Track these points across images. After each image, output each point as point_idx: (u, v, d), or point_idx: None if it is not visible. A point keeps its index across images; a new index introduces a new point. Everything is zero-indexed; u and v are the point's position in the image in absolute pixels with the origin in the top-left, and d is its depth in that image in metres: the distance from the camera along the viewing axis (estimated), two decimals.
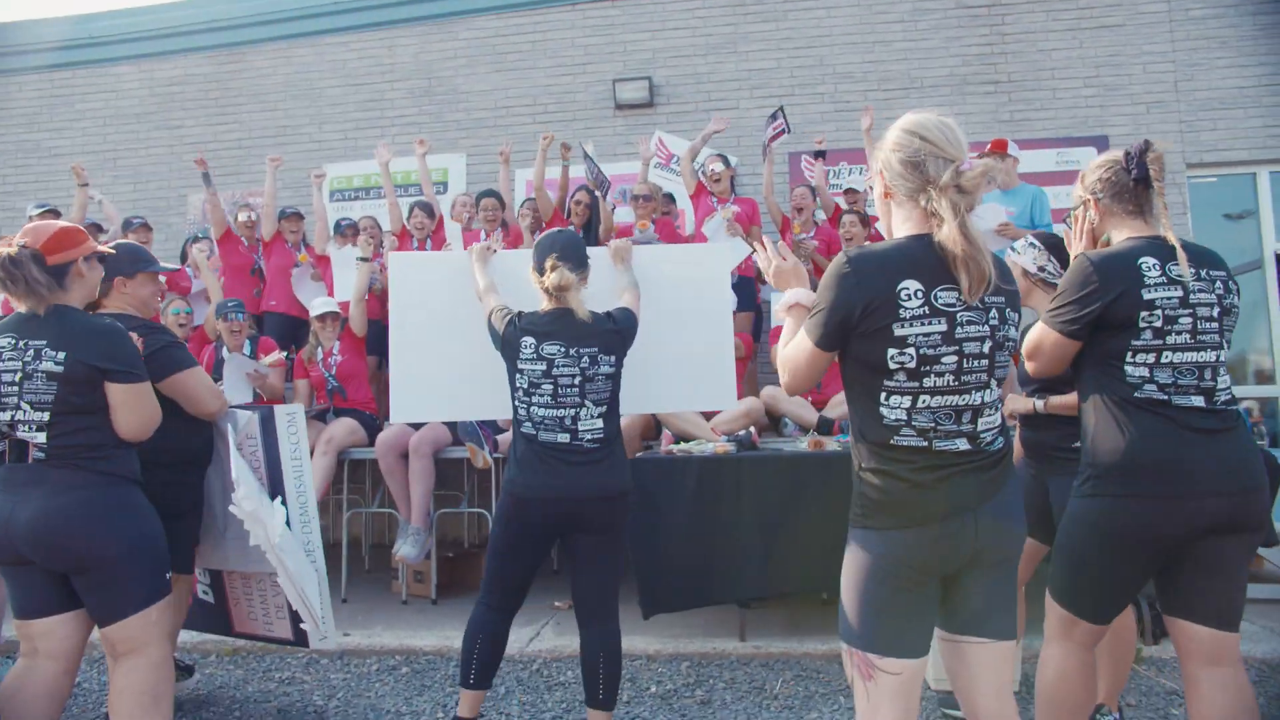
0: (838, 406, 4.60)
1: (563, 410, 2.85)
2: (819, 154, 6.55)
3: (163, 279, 3.41)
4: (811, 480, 3.93)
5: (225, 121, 8.16)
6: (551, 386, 2.86)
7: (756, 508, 3.93)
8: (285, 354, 5.52)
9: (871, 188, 2.04)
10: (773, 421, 4.65)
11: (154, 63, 8.34)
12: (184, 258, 6.73)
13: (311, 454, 4.99)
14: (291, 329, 6.16)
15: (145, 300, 3.15)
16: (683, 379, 3.68)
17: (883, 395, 1.83)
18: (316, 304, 5.58)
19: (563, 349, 2.87)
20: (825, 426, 4.48)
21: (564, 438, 2.85)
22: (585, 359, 2.87)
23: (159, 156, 8.22)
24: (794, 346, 1.96)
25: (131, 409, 2.60)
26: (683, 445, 4.13)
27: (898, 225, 1.92)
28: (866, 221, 5.47)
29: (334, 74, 8.08)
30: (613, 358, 2.93)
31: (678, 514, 3.97)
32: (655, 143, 7.49)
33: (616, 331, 2.97)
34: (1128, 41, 7.14)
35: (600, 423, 2.88)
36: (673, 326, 3.63)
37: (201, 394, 3.10)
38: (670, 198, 6.77)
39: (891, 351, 1.78)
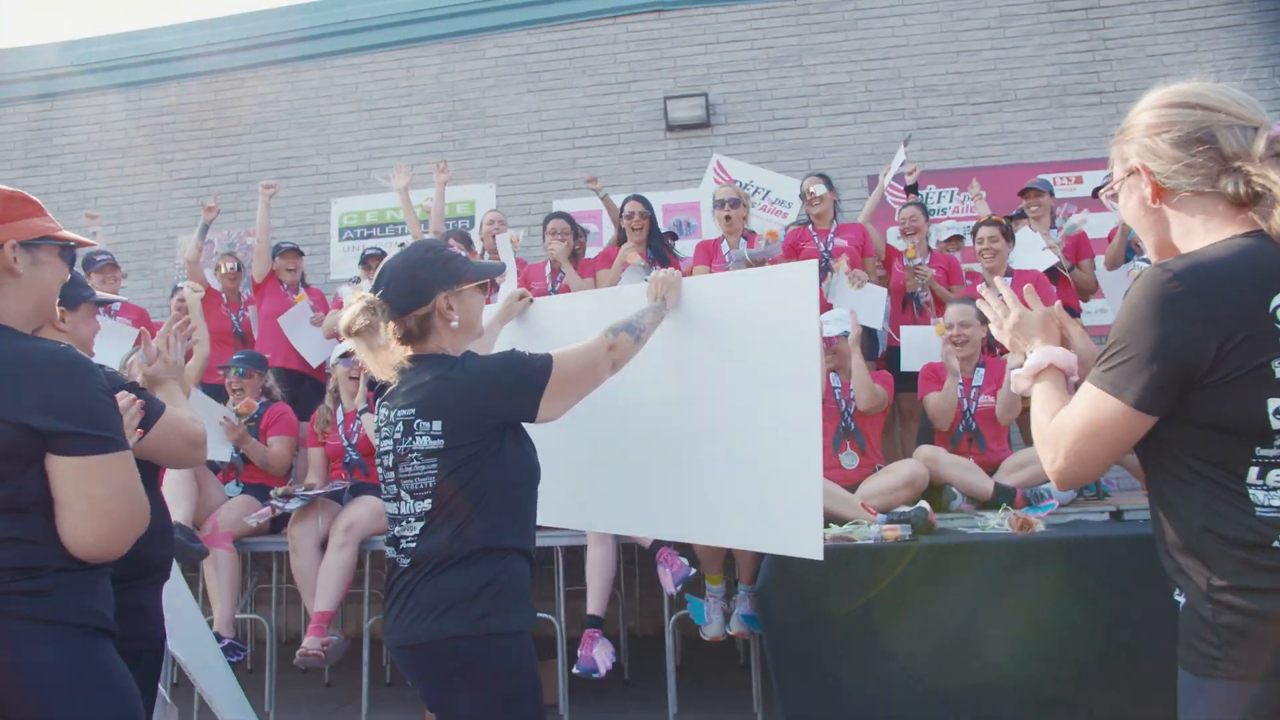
0: (1016, 470, 3.57)
1: (390, 504, 1.89)
2: (910, 188, 5.56)
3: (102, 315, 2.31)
4: (1022, 578, 2.86)
5: (222, 154, 7.22)
6: (381, 468, 1.92)
7: (946, 616, 2.85)
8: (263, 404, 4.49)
9: (1112, 195, 1.47)
10: (931, 492, 3.58)
11: (142, 91, 7.42)
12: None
13: (324, 546, 3.97)
14: (293, 385, 5.05)
15: (86, 341, 2.12)
16: (729, 496, 2.35)
17: (1253, 472, 1.25)
18: (341, 346, 4.55)
19: (388, 411, 1.89)
20: (1005, 496, 3.43)
21: (390, 551, 1.88)
22: (400, 426, 1.84)
23: (147, 194, 7.24)
24: (1081, 417, 1.34)
25: (96, 502, 1.45)
26: (835, 530, 3.06)
27: (1191, 232, 1.34)
28: (1010, 235, 4.46)
29: (344, 99, 7.16)
30: (436, 424, 1.79)
31: (836, 625, 2.89)
32: (713, 168, 6.58)
33: (449, 380, 1.82)
34: (1251, 43, 6.28)
35: (418, 529, 1.81)
36: (722, 408, 2.37)
37: (192, 433, 2.11)
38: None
39: (1276, 404, 1.21)
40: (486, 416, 1.82)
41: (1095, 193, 5.26)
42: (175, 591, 2.34)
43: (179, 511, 3.72)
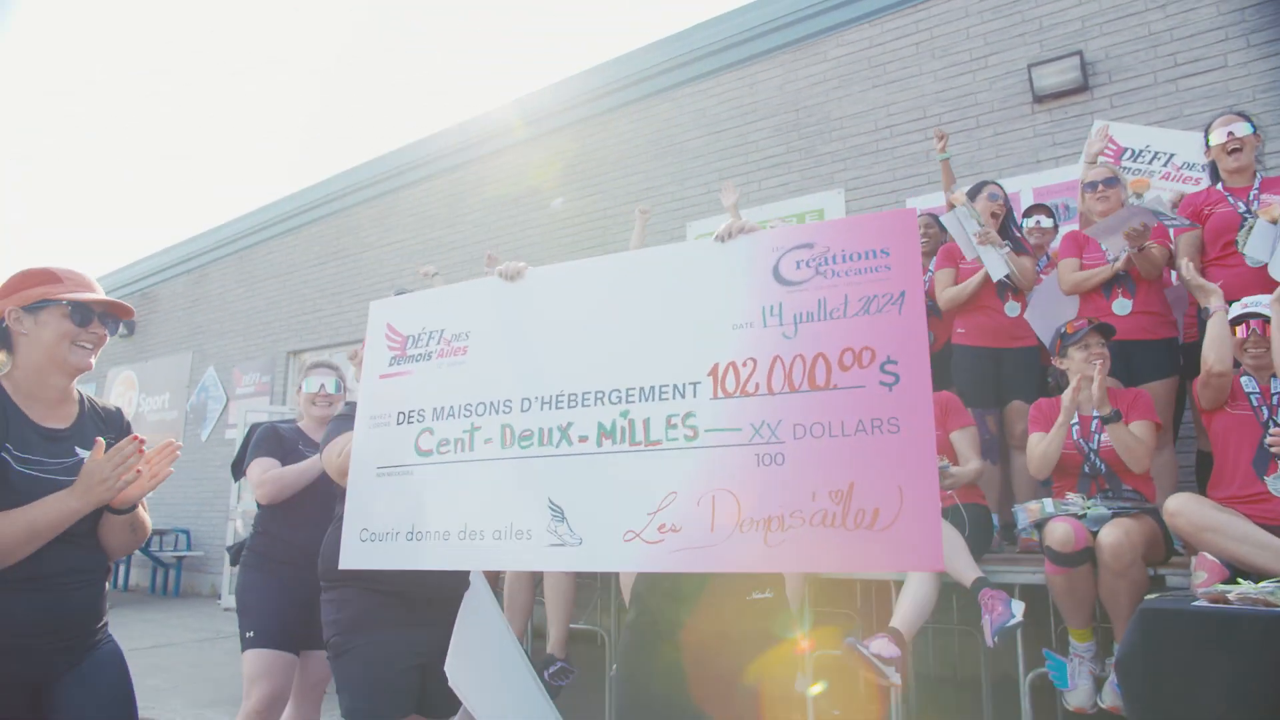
0: None
1: None
2: None
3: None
4: None
5: (591, 193, 7.89)
6: None
7: None
8: None
9: None
10: None
11: (524, 148, 8.44)
12: None
13: None
14: None
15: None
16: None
17: None
18: None
19: None
20: None
21: None
22: None
23: (534, 236, 8.20)
24: None
25: None
26: (1246, 588, 2.28)
27: None
28: None
29: (694, 124, 7.41)
30: None
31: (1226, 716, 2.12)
32: (1099, 137, 5.54)
33: None
34: None
35: None
36: None
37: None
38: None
39: None
40: None
41: None
42: (475, 610, 2.43)
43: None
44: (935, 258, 4.40)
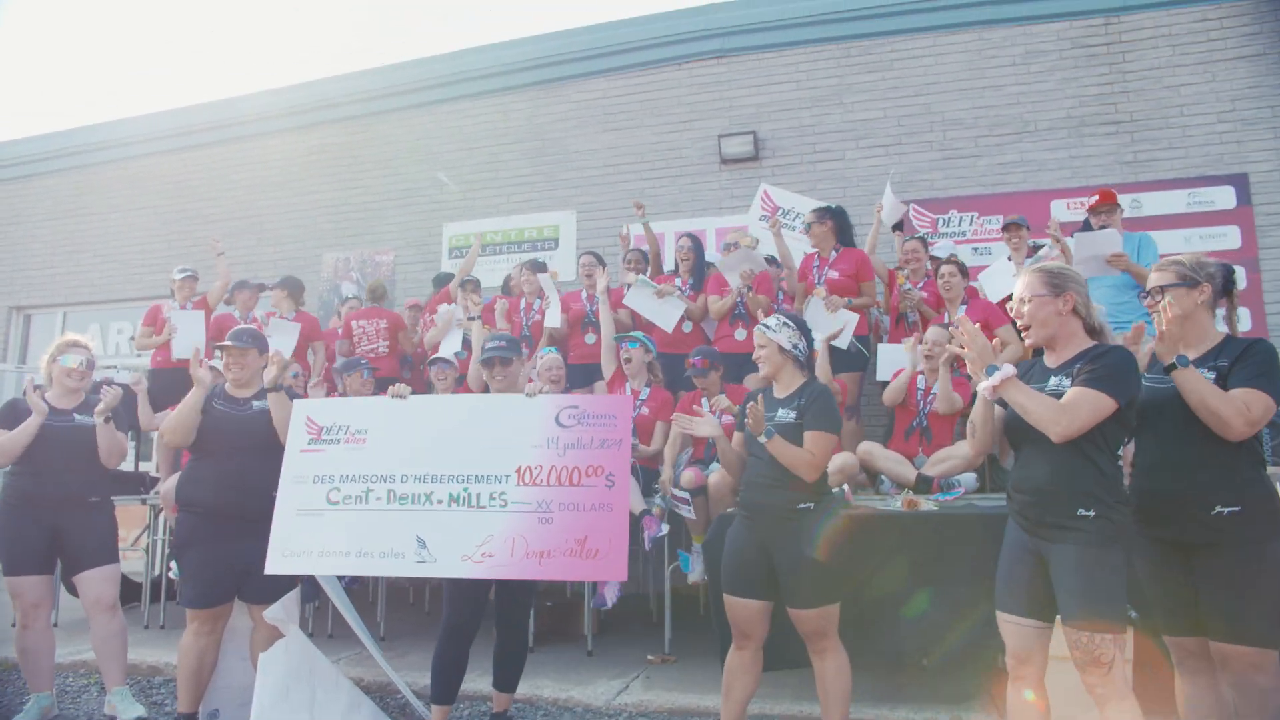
0: (939, 463, 4.42)
1: None
2: (896, 227, 6.53)
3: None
4: (903, 543, 3.78)
5: (353, 186, 8.76)
6: None
7: (847, 569, 3.80)
8: None
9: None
10: (870, 478, 4.51)
11: (295, 135, 9.08)
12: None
13: None
14: None
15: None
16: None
17: None
18: (444, 348, 5.85)
19: None
20: (923, 485, 4.31)
21: None
22: None
23: (297, 219, 8.89)
24: (1096, 403, 2.38)
25: None
26: None
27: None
28: (965, 272, 5.26)
29: (451, 139, 8.55)
30: None
31: None
32: (760, 196, 7.52)
33: None
34: (1270, 71, 6.68)
35: None
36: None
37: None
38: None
39: None
40: None
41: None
42: None
43: None
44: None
